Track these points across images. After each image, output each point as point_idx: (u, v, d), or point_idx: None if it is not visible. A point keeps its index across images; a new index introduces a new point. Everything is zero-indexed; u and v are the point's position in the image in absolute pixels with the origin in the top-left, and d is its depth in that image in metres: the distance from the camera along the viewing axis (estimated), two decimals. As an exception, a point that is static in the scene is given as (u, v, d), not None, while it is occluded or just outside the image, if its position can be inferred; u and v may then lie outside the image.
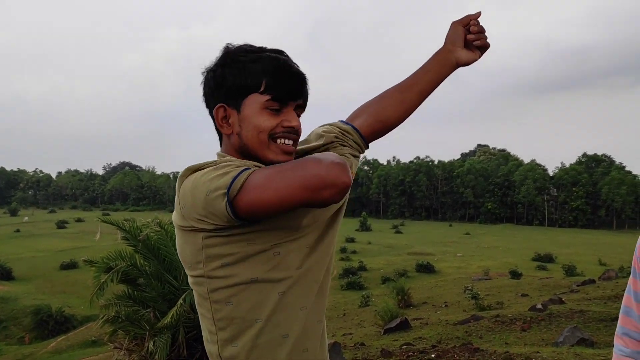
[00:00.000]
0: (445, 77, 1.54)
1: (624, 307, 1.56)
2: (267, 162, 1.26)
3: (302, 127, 1.34)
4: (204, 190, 1.12)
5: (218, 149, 1.38)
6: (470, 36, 1.50)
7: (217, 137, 1.38)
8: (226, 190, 1.08)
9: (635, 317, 1.50)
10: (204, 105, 1.36)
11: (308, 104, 1.35)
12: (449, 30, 1.53)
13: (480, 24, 1.51)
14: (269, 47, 1.32)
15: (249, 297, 1.22)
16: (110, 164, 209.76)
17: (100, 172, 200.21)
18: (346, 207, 1.43)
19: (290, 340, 1.26)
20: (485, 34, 1.51)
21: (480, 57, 1.54)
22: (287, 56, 1.32)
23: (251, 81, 1.25)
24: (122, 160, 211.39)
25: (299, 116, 1.33)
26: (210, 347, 1.30)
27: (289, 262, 1.25)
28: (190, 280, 1.29)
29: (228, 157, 1.26)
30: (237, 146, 1.30)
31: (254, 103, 1.26)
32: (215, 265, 1.20)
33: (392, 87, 1.55)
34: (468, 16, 1.51)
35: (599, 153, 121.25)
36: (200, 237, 1.19)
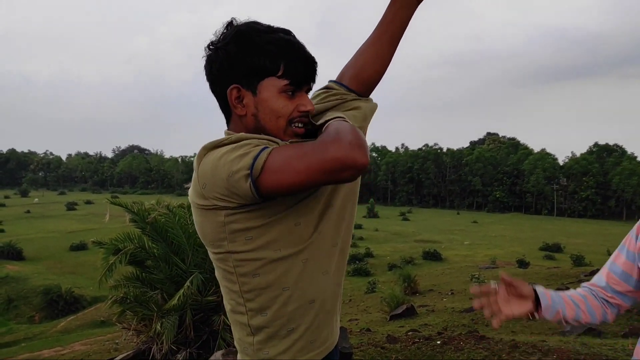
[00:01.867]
0: (410, 17, 1.48)
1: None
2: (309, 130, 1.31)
3: None
4: (226, 171, 1.14)
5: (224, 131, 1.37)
6: None
7: (222, 117, 1.37)
8: (249, 172, 1.11)
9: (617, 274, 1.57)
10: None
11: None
12: None
13: None
14: (275, 26, 1.31)
15: (275, 267, 1.26)
16: (119, 147, 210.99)
17: (110, 155, 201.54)
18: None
19: (316, 304, 1.32)
20: None
21: None
22: (296, 38, 1.32)
23: (269, 64, 1.26)
24: (131, 144, 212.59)
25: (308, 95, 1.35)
26: (238, 317, 1.34)
27: (308, 229, 1.28)
28: (213, 256, 1.32)
29: (243, 134, 1.25)
30: (251, 127, 1.30)
31: (272, 86, 1.27)
32: (239, 240, 1.23)
33: (364, 43, 1.51)
34: None
35: (611, 143, 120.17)
36: (222, 214, 1.21)
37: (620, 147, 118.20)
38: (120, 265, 7.34)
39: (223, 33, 1.31)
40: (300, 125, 1.31)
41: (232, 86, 1.28)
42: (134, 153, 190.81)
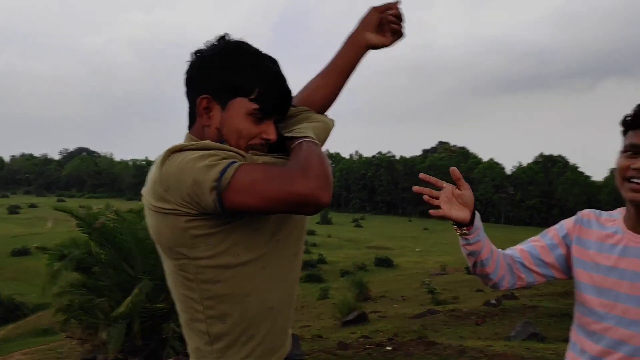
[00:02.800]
0: (359, 58, 1.54)
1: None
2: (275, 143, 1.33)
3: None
4: (191, 178, 1.13)
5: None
6: (389, 18, 1.48)
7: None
8: (215, 184, 1.11)
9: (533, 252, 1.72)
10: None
11: None
12: (365, 14, 1.52)
13: (400, 12, 1.49)
14: (264, 53, 1.34)
15: (236, 274, 1.26)
16: (67, 149, 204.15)
17: (57, 157, 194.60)
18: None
19: (274, 311, 1.34)
20: (403, 23, 1.50)
21: (391, 43, 1.53)
22: (280, 67, 1.35)
23: (245, 84, 1.28)
24: (79, 146, 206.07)
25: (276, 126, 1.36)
26: (196, 326, 1.32)
27: (266, 235, 1.28)
28: (169, 263, 1.29)
29: (209, 142, 1.25)
30: (213, 139, 1.30)
31: (241, 107, 1.29)
32: (200, 246, 1.22)
33: (317, 75, 1.58)
34: (388, 3, 1.50)
35: (555, 154, 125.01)
36: (182, 220, 1.19)
37: (564, 158, 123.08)
38: (65, 272, 7.10)
39: (213, 44, 1.33)
40: (257, 154, 1.32)
41: (203, 95, 1.29)
42: (83, 155, 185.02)
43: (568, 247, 1.67)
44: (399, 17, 1.48)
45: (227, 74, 1.28)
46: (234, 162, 1.14)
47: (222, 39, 1.34)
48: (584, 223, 1.67)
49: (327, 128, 1.45)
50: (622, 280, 1.50)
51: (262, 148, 1.32)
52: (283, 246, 1.33)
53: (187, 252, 1.22)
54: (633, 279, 1.48)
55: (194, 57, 1.33)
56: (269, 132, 1.31)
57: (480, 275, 1.72)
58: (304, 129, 1.32)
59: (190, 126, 1.37)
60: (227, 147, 1.24)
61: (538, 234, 1.77)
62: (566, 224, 1.71)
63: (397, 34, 1.51)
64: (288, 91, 1.34)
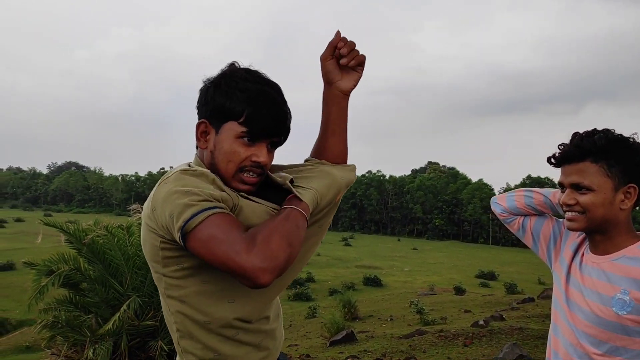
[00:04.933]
0: (344, 109, 1.52)
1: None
2: (232, 188, 1.35)
3: (273, 160, 1.42)
4: (169, 210, 1.20)
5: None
6: (343, 60, 1.43)
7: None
8: (183, 224, 1.16)
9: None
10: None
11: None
12: (321, 69, 1.48)
13: (348, 40, 1.41)
14: (266, 78, 1.37)
15: (201, 301, 1.30)
16: (55, 163, 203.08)
17: (45, 171, 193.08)
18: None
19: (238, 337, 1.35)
20: (356, 48, 1.43)
21: (361, 73, 1.48)
22: (279, 91, 1.37)
23: (234, 108, 1.32)
24: (68, 160, 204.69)
25: (273, 149, 1.40)
26: (172, 335, 1.39)
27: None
28: (153, 274, 1.37)
29: (206, 172, 1.30)
30: (208, 162, 1.37)
31: (231, 130, 1.33)
32: (170, 267, 1.29)
33: (317, 140, 1.58)
34: (330, 44, 1.43)
35: (542, 176, 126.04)
36: (159, 240, 1.27)
37: (551, 180, 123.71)
38: (52, 288, 7.03)
39: (219, 72, 1.39)
40: (252, 174, 1.35)
41: (200, 120, 1.37)
42: (71, 170, 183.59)
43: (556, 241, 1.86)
44: (351, 47, 1.42)
45: (218, 98, 1.33)
46: (209, 209, 1.18)
47: (230, 66, 1.40)
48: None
49: (334, 184, 1.45)
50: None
51: (255, 170, 1.35)
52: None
53: (160, 269, 1.31)
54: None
55: (202, 84, 1.40)
56: (260, 154, 1.34)
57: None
58: (304, 190, 1.36)
59: (196, 148, 1.44)
60: (219, 186, 1.29)
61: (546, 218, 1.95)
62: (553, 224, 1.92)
63: (361, 63, 1.46)
64: (280, 114, 1.34)
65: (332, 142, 1.53)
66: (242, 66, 1.39)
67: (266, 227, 1.21)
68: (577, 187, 1.60)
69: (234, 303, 1.31)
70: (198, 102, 1.40)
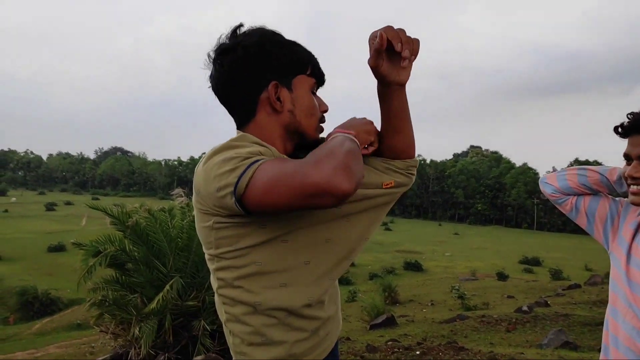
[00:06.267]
0: (404, 101, 1.36)
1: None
2: (310, 141, 1.34)
3: None
4: (214, 186, 1.15)
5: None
6: (405, 62, 1.24)
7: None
8: (233, 189, 1.10)
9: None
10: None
11: None
12: (374, 74, 1.30)
13: (400, 34, 1.21)
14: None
15: (252, 283, 1.25)
16: (102, 148, 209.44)
17: (92, 156, 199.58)
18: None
19: (289, 317, 1.29)
20: (407, 35, 1.23)
21: (415, 58, 1.28)
22: None
23: (300, 62, 1.31)
24: (113, 145, 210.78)
25: None
26: (220, 316, 1.37)
27: (297, 252, 1.26)
28: (205, 256, 1.34)
29: (244, 135, 1.27)
30: (286, 123, 1.32)
31: (305, 84, 1.32)
32: (225, 247, 1.24)
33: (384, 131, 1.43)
34: (375, 49, 1.23)
35: (591, 159, 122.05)
36: (212, 220, 1.23)
37: (600, 164, 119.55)
38: (99, 268, 7.25)
39: (239, 34, 1.30)
40: (322, 124, 1.38)
41: (273, 82, 1.28)
42: (117, 155, 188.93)
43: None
44: (408, 43, 1.23)
45: (283, 55, 1.29)
46: (254, 163, 1.12)
47: (240, 28, 1.31)
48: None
49: (375, 175, 1.39)
50: None
51: (323, 118, 1.38)
52: (312, 270, 1.29)
53: (214, 251, 1.26)
54: None
55: (232, 51, 1.28)
56: (324, 103, 1.37)
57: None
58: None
59: (242, 124, 1.34)
60: (255, 142, 1.25)
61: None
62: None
63: (414, 53, 1.26)
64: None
65: (397, 140, 1.41)
66: (253, 27, 1.32)
67: (323, 146, 1.13)
68: None
69: (285, 287, 1.26)
70: (241, 67, 1.28)
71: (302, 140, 1.34)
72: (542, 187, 1.96)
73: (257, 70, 1.28)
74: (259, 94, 1.29)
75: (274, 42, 1.29)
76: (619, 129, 1.57)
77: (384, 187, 1.39)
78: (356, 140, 1.22)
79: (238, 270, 1.25)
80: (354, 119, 1.40)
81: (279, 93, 1.29)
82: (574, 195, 1.86)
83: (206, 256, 1.32)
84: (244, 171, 1.10)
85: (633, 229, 1.67)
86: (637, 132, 1.52)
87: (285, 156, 1.30)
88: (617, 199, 1.79)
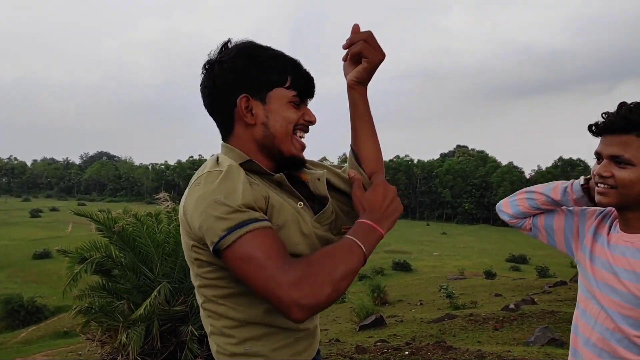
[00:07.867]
0: (355, 104, 1.49)
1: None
2: (287, 156, 1.36)
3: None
4: (198, 221, 1.17)
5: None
6: (343, 56, 1.44)
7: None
8: (217, 240, 1.14)
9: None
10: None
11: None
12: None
13: (357, 39, 1.37)
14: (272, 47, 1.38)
15: (234, 301, 1.28)
16: (87, 153, 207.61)
17: (77, 161, 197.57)
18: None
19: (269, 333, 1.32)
20: (358, 37, 1.37)
21: (368, 62, 1.39)
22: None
23: (277, 76, 1.32)
24: (99, 150, 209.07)
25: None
26: (205, 328, 1.39)
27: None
28: (190, 271, 1.37)
29: (232, 166, 1.24)
30: (259, 137, 1.34)
31: (281, 97, 1.33)
32: (204, 268, 1.27)
33: (354, 138, 1.55)
34: (348, 49, 1.40)
35: (574, 157, 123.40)
36: (192, 242, 1.26)
37: (583, 162, 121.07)
38: (85, 275, 7.18)
39: (223, 51, 1.36)
40: (302, 135, 1.39)
41: (242, 95, 1.31)
42: (103, 160, 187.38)
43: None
44: (348, 42, 1.39)
45: (257, 70, 1.31)
46: (245, 224, 1.13)
47: (228, 44, 1.37)
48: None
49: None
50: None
51: (305, 129, 1.39)
52: None
53: (195, 268, 1.30)
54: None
55: (210, 67, 1.35)
56: (309, 114, 1.39)
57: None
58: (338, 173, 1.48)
59: (227, 136, 1.38)
60: (245, 157, 1.30)
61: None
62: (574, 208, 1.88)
63: (362, 54, 1.38)
64: (310, 75, 1.39)
65: (360, 147, 1.55)
66: (240, 41, 1.37)
67: (318, 260, 1.15)
68: (616, 160, 1.52)
69: (268, 304, 1.26)
70: (218, 83, 1.33)
71: (280, 156, 1.35)
72: (500, 215, 2.03)
73: (230, 85, 1.32)
74: (233, 107, 1.33)
75: (250, 56, 1.32)
76: (593, 128, 1.60)
77: (342, 230, 1.45)
78: (367, 254, 1.22)
79: (221, 289, 1.27)
80: (391, 191, 1.47)
81: (250, 106, 1.32)
82: (530, 217, 1.93)
83: (190, 271, 1.34)
84: (232, 229, 1.13)
85: (592, 234, 1.71)
86: (610, 132, 1.54)
87: (276, 195, 1.29)
88: (571, 208, 1.83)
